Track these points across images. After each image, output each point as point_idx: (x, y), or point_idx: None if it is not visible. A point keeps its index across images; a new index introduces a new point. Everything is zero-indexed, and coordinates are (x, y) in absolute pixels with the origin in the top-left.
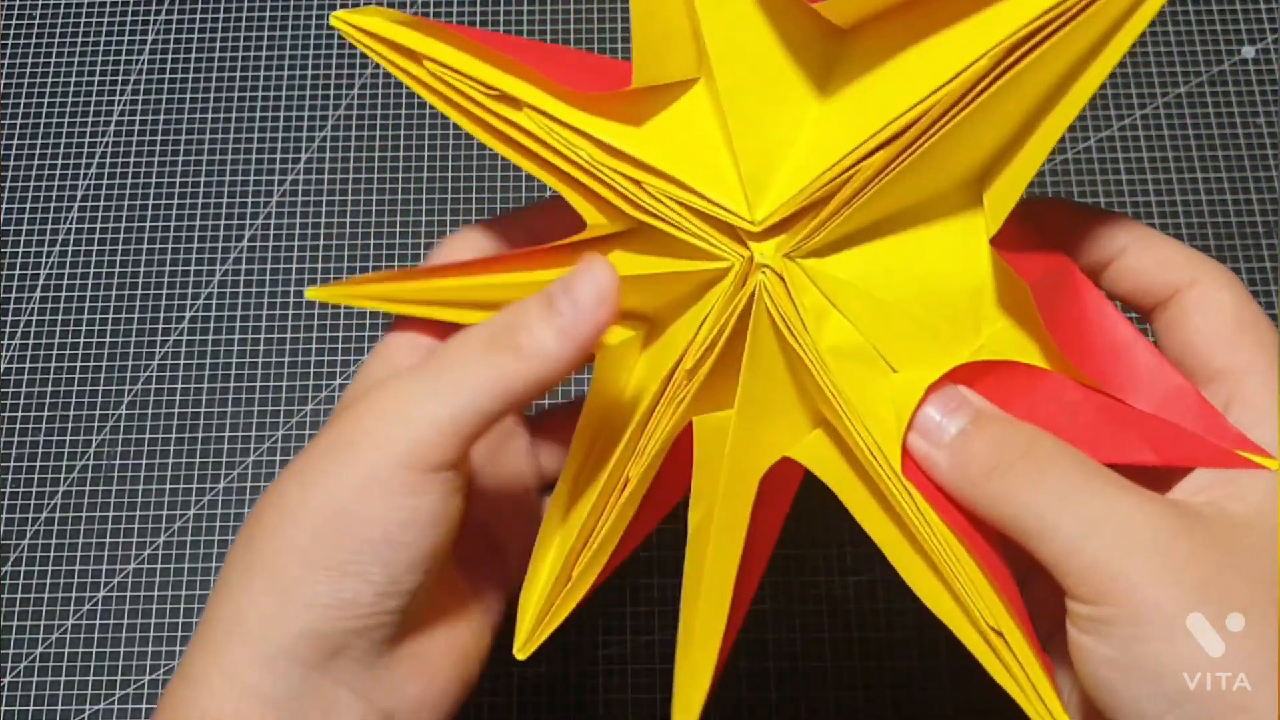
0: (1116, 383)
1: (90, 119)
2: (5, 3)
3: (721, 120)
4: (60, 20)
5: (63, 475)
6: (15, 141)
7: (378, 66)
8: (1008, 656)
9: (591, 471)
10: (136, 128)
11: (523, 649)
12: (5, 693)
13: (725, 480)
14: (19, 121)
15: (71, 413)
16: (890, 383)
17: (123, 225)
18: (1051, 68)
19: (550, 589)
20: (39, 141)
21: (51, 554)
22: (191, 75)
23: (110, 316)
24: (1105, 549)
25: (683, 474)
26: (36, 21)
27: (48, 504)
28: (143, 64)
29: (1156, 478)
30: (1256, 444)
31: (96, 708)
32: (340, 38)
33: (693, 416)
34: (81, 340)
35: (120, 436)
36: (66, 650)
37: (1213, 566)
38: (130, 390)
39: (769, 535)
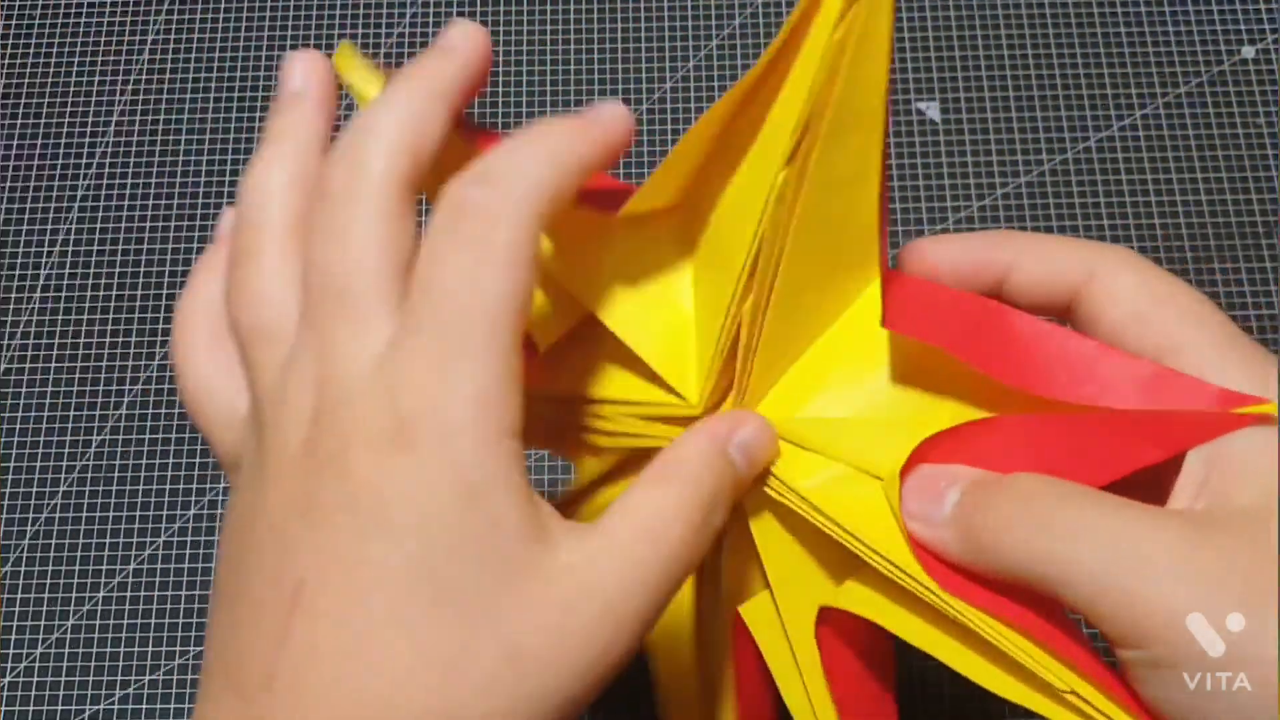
0: (1088, 394)
1: (90, 119)
2: (5, 3)
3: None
4: (60, 20)
5: (63, 475)
6: (15, 141)
7: (378, 66)
8: (1092, 712)
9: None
10: (136, 128)
11: None
12: (5, 693)
13: (798, 654)
14: (19, 121)
15: (71, 413)
16: (879, 489)
17: (123, 225)
18: (833, 162)
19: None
20: (39, 141)
21: (51, 554)
22: (191, 75)
23: (110, 316)
24: (1132, 585)
25: (760, 665)
26: (36, 21)
27: (48, 504)
28: (143, 64)
29: (1152, 489)
30: (1244, 394)
31: (96, 708)
32: (340, 37)
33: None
34: (81, 340)
35: (120, 436)
36: (66, 650)
37: (1242, 569)
38: (130, 390)
39: (874, 671)
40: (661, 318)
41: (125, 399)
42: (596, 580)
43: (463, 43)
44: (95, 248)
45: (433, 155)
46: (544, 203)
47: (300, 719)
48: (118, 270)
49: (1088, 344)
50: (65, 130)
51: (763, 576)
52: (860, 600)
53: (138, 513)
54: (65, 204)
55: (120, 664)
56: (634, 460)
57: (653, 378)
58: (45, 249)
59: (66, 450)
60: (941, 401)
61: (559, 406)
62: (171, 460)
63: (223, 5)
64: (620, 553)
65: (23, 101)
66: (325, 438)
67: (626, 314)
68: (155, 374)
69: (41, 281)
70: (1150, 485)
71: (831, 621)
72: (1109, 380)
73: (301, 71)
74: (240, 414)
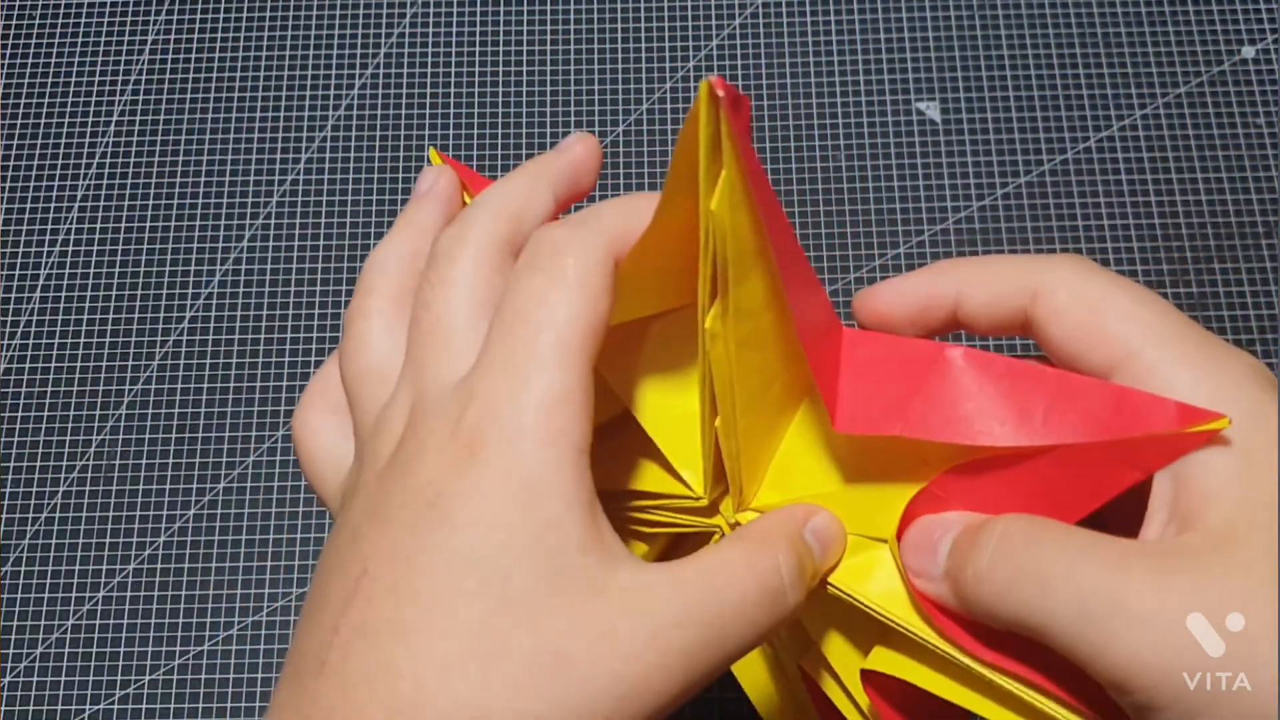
0: (1054, 430)
1: (90, 119)
2: (5, 3)
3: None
4: (60, 20)
5: (63, 475)
6: (15, 141)
7: (378, 66)
8: None
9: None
10: (136, 128)
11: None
12: (5, 693)
13: (858, 701)
14: (19, 121)
15: (71, 413)
16: (884, 553)
17: (123, 225)
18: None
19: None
20: (39, 141)
21: (51, 554)
22: (191, 75)
23: (110, 316)
24: (1104, 635)
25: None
26: (36, 21)
27: (48, 504)
28: (143, 64)
29: (1136, 500)
30: (1199, 410)
31: (96, 708)
32: (340, 37)
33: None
34: (81, 340)
35: (120, 436)
36: (66, 650)
37: (1211, 603)
38: (130, 390)
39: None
40: (683, 410)
41: (125, 399)
42: (649, 605)
43: (575, 144)
44: (95, 248)
45: (534, 226)
46: (615, 239)
47: (342, 702)
48: (118, 270)
49: (1046, 377)
50: (65, 130)
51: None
52: (889, 662)
53: (138, 513)
54: (65, 204)
55: (120, 664)
56: (680, 543)
57: (672, 469)
58: (45, 249)
59: (66, 450)
60: (924, 458)
61: (602, 499)
62: (171, 460)
63: (223, 5)
64: (679, 587)
65: (23, 101)
66: (404, 448)
67: (654, 407)
68: (155, 374)
69: (41, 281)
70: (1136, 497)
71: (875, 680)
72: (1072, 411)
73: (430, 177)
74: (347, 462)
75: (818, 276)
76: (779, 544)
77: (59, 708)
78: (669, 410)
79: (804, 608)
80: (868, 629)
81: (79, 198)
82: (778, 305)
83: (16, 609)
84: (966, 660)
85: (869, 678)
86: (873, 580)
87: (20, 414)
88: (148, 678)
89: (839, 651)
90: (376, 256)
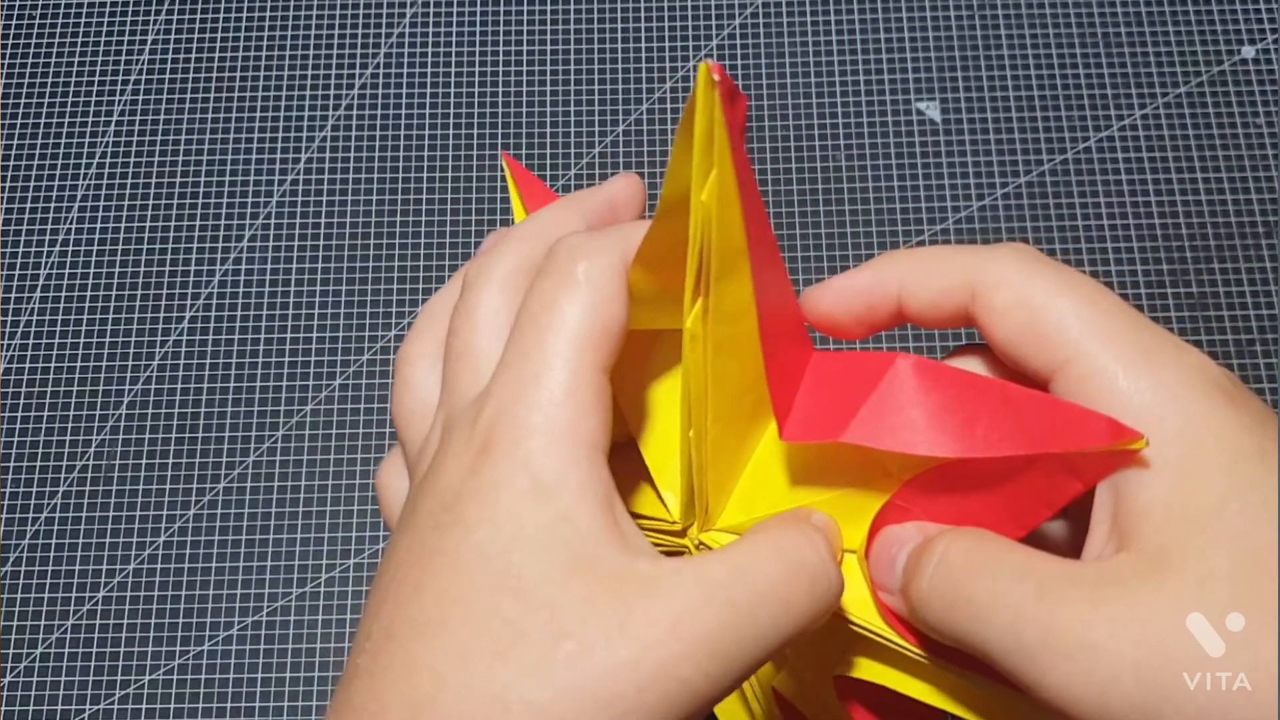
0: (998, 440)
1: (90, 119)
2: (5, 3)
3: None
4: (60, 20)
5: (63, 475)
6: (15, 141)
7: (378, 66)
8: None
9: None
10: (136, 128)
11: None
12: (5, 693)
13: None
14: (19, 121)
15: (71, 413)
16: (853, 563)
17: (123, 225)
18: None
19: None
20: (39, 141)
21: (51, 554)
22: (191, 75)
23: (110, 316)
24: (1036, 667)
25: None
26: (36, 21)
27: (48, 504)
28: (143, 64)
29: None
30: (1126, 428)
31: (96, 708)
32: (340, 37)
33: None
34: (81, 340)
35: (120, 436)
36: (66, 650)
37: (1137, 639)
38: (130, 390)
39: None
40: (674, 430)
41: (125, 399)
42: (670, 593)
43: (615, 180)
44: (95, 248)
45: None
46: (632, 246)
47: (370, 700)
48: (118, 270)
49: (990, 388)
50: (65, 130)
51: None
52: (865, 668)
53: (137, 513)
54: (65, 204)
55: (120, 664)
56: None
57: (658, 492)
58: (45, 249)
59: (66, 450)
60: (885, 469)
61: None
62: (171, 460)
63: (223, 5)
64: (701, 575)
65: (23, 101)
66: (433, 462)
67: (650, 428)
68: (155, 374)
69: (41, 281)
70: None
71: (851, 688)
72: (1011, 423)
73: (491, 240)
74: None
75: (794, 290)
76: (802, 526)
77: (59, 708)
78: (664, 430)
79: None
80: (838, 637)
81: (79, 198)
82: (750, 317)
83: (16, 609)
84: (937, 667)
85: (843, 684)
86: (846, 589)
87: (20, 414)
88: (148, 678)
89: (812, 664)
90: (427, 305)
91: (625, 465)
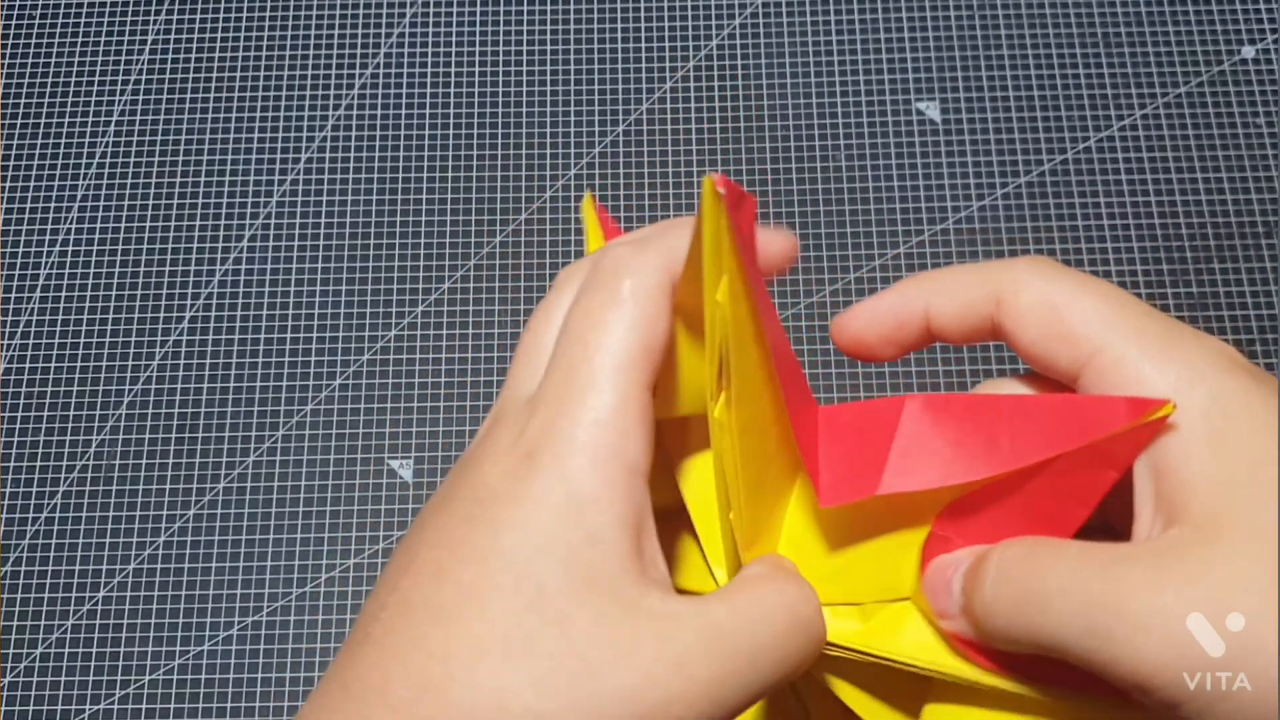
0: (1024, 450)
1: (90, 119)
2: (5, 3)
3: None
4: (60, 20)
5: (63, 475)
6: (15, 141)
7: (378, 66)
8: None
9: None
10: (136, 128)
11: None
12: (5, 693)
13: None
14: (19, 121)
15: (71, 413)
16: (909, 608)
17: (123, 225)
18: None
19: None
20: (39, 141)
21: (51, 554)
22: (191, 75)
23: (110, 316)
24: (1110, 645)
25: None
26: (36, 21)
27: (48, 504)
28: (143, 64)
29: (1121, 507)
30: (1148, 400)
31: (96, 708)
32: (340, 37)
33: None
34: (81, 340)
35: (120, 436)
36: (66, 650)
37: (1204, 598)
38: (130, 390)
39: None
40: (711, 507)
41: (125, 399)
42: (675, 633)
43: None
44: (95, 248)
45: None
46: (676, 260)
47: (373, 671)
48: (118, 270)
49: (1003, 404)
50: (65, 130)
51: None
52: (945, 715)
53: (137, 513)
54: (65, 204)
55: (120, 664)
56: None
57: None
58: (45, 249)
59: (66, 450)
60: (916, 505)
61: None
62: (171, 460)
63: (223, 5)
64: (707, 620)
65: (23, 101)
66: (477, 450)
67: (700, 500)
68: (155, 374)
69: (41, 281)
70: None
71: None
72: (1032, 430)
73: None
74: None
75: (798, 360)
76: (801, 581)
77: (59, 708)
78: (706, 504)
79: (851, 701)
80: (909, 690)
81: (79, 198)
82: (771, 389)
83: (16, 609)
84: (1016, 688)
85: None
86: (902, 636)
87: (20, 414)
88: (148, 678)
89: None
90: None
91: (674, 531)
